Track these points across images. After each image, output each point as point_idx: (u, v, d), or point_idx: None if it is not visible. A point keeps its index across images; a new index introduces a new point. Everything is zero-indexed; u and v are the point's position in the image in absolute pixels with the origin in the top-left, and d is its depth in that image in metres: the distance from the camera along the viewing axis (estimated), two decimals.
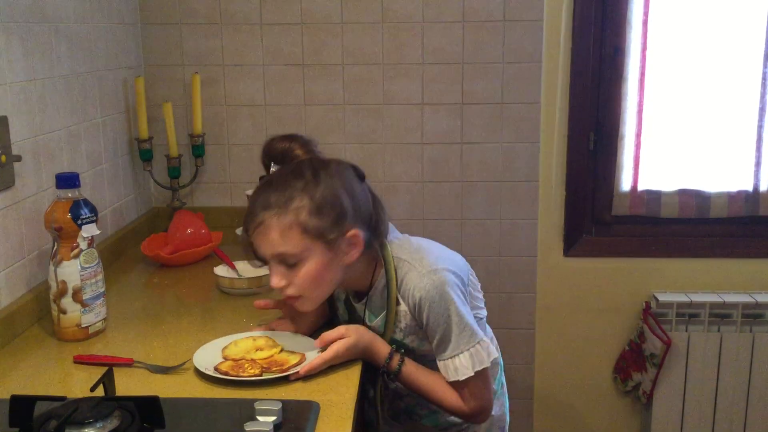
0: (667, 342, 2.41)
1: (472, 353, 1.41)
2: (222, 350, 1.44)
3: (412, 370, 1.46)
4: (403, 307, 1.45)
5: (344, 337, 1.40)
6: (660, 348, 2.42)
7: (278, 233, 1.34)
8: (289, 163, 1.42)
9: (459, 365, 1.42)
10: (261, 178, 1.46)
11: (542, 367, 2.62)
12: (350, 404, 1.28)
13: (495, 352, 1.47)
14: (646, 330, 2.47)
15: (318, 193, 1.34)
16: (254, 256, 1.42)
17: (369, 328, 1.48)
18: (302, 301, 1.42)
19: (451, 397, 1.46)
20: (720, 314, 2.45)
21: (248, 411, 1.17)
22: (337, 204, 1.36)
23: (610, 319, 2.58)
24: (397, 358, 1.45)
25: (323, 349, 1.40)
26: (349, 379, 1.37)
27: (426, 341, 1.47)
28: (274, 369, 1.36)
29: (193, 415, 1.24)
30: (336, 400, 1.29)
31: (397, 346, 1.48)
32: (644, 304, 2.51)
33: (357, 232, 1.38)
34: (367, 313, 1.51)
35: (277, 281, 1.38)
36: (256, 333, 1.51)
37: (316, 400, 1.27)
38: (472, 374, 1.41)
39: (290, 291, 1.39)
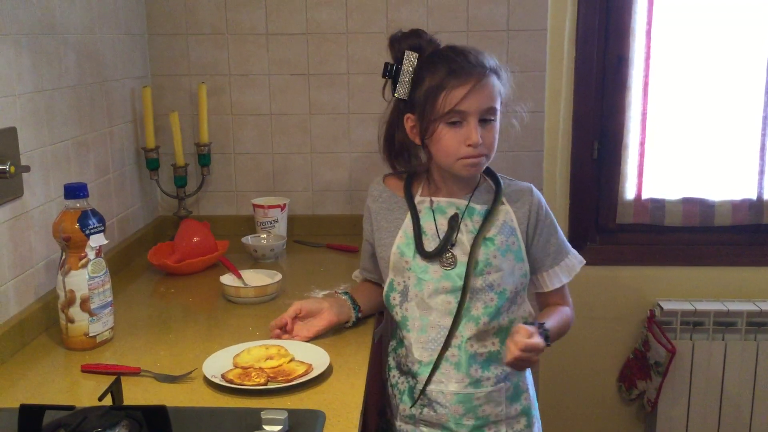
0: (672, 350, 2.41)
1: (574, 253, 1.68)
2: (234, 357, 1.46)
3: (549, 322, 1.56)
4: (506, 207, 1.59)
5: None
6: (664, 356, 2.42)
7: (493, 90, 1.52)
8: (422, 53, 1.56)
9: (572, 262, 1.65)
10: (390, 64, 1.57)
11: (546, 376, 2.63)
12: (356, 413, 1.29)
13: None
14: (651, 338, 2.47)
15: (504, 70, 1.57)
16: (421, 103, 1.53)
17: (458, 222, 1.58)
18: (482, 161, 1.54)
19: (569, 314, 1.67)
20: (724, 322, 2.46)
21: (255, 420, 1.18)
22: (508, 83, 1.59)
23: (615, 327, 2.58)
24: (539, 324, 1.52)
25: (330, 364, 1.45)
26: (355, 389, 1.38)
27: (508, 251, 1.56)
28: (280, 379, 1.37)
29: (200, 424, 1.25)
30: (341, 409, 1.30)
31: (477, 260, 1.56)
32: (648, 312, 2.51)
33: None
34: (470, 207, 1.58)
35: (477, 137, 1.50)
36: (270, 342, 1.53)
37: (321, 410, 1.28)
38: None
39: (483, 149, 1.52)
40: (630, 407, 2.65)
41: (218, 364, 1.43)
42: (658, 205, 2.50)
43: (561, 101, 2.46)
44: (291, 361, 1.45)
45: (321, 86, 2.38)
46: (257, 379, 1.36)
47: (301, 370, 1.40)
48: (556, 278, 1.64)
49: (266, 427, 1.17)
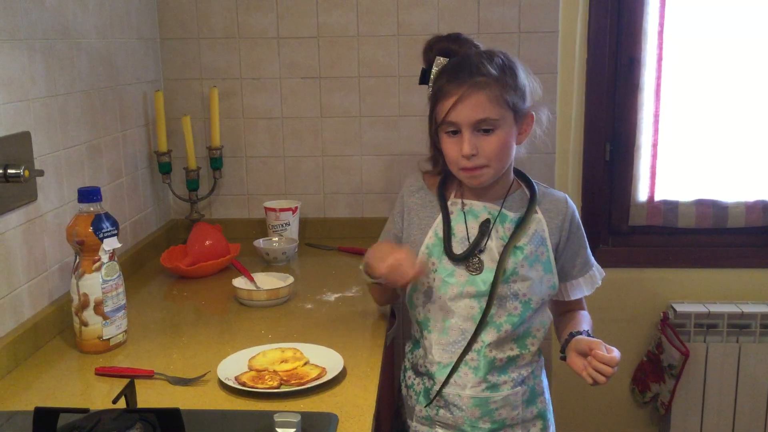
0: (686, 353, 2.40)
1: (597, 266, 1.68)
2: (249, 360, 1.46)
3: (587, 330, 1.61)
4: (539, 216, 1.57)
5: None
6: (678, 359, 2.41)
7: (487, 99, 1.46)
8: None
9: (597, 272, 1.67)
10: (424, 70, 1.58)
11: (559, 379, 2.62)
12: (368, 416, 1.29)
13: None
14: (664, 341, 2.46)
15: (518, 74, 1.51)
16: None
17: (488, 227, 1.56)
18: (484, 173, 1.51)
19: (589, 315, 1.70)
20: (738, 325, 2.44)
21: (268, 423, 1.19)
22: (527, 86, 1.53)
23: (628, 329, 2.57)
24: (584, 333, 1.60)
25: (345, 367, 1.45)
26: (367, 392, 1.38)
27: (536, 261, 1.55)
28: (293, 382, 1.37)
29: (213, 426, 1.25)
30: (354, 412, 1.30)
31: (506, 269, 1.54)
32: (662, 314, 2.50)
33: (533, 115, 1.56)
34: (502, 213, 1.56)
35: (469, 149, 1.47)
36: (286, 344, 1.53)
37: (334, 412, 1.28)
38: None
39: (479, 160, 1.48)
40: (643, 410, 2.63)
41: (233, 366, 1.44)
42: (671, 206, 2.49)
43: (573, 103, 2.45)
44: (305, 364, 1.45)
45: (332, 89, 2.39)
46: (270, 382, 1.36)
47: (314, 373, 1.40)
48: (579, 290, 1.65)
49: (279, 430, 1.17)
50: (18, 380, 1.44)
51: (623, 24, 2.40)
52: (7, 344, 1.47)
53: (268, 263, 2.16)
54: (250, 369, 1.43)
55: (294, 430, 1.17)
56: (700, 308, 2.45)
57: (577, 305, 1.68)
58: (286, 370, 1.42)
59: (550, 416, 1.67)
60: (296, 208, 2.29)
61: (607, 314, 2.56)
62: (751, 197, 2.47)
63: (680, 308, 2.46)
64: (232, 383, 1.36)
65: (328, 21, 2.35)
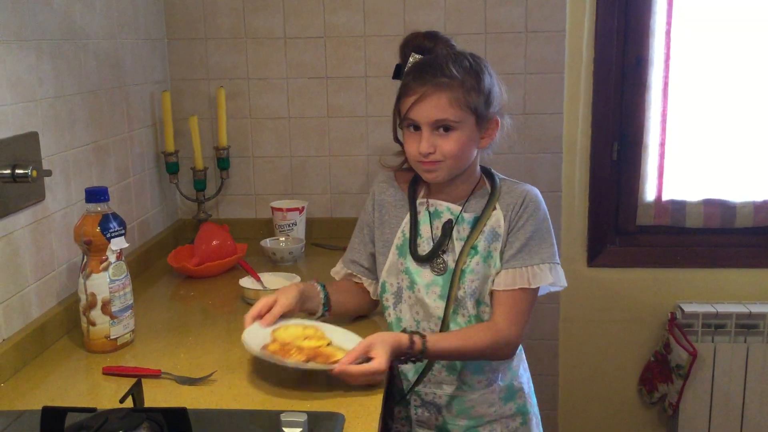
0: (693, 353, 2.39)
1: (552, 268, 1.52)
2: (272, 332, 1.45)
3: (436, 338, 1.46)
4: (498, 212, 1.55)
5: (372, 347, 1.38)
6: (686, 359, 2.40)
7: (447, 101, 1.47)
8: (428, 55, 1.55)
9: (538, 274, 1.50)
10: (398, 65, 1.59)
11: (566, 379, 2.61)
12: (375, 416, 1.29)
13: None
14: (672, 341, 2.45)
15: (483, 79, 1.51)
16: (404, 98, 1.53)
17: (452, 227, 1.55)
18: (439, 167, 1.52)
19: (485, 335, 1.48)
20: (746, 325, 2.43)
21: (274, 422, 1.19)
22: (494, 91, 1.53)
23: (635, 330, 2.57)
24: (417, 336, 1.44)
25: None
26: (374, 391, 1.38)
27: (489, 257, 1.53)
28: (319, 360, 1.36)
29: (220, 425, 1.25)
30: (361, 411, 1.30)
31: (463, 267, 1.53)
32: (669, 314, 2.49)
33: (499, 120, 1.56)
34: (461, 215, 1.56)
35: (426, 147, 1.49)
36: (307, 321, 1.52)
37: (341, 412, 1.28)
38: (544, 286, 1.52)
39: (434, 157, 1.50)
40: (651, 410, 2.63)
41: (257, 337, 1.41)
42: (679, 206, 2.48)
43: (580, 102, 2.45)
44: (329, 345, 1.43)
45: (339, 89, 2.39)
46: (298, 356, 1.35)
47: (340, 355, 1.37)
48: (501, 280, 1.52)
49: (286, 429, 1.17)
50: (26, 380, 1.45)
51: (630, 23, 2.39)
52: (15, 344, 1.48)
53: (274, 263, 2.17)
54: (275, 340, 1.41)
55: (300, 429, 1.17)
56: (708, 308, 2.44)
57: (498, 310, 1.51)
58: (312, 347, 1.39)
59: (533, 409, 1.66)
60: (303, 208, 2.29)
61: (614, 314, 2.55)
62: (759, 197, 2.45)
63: (688, 308, 2.45)
64: (260, 354, 1.35)
65: (335, 21, 2.35)
